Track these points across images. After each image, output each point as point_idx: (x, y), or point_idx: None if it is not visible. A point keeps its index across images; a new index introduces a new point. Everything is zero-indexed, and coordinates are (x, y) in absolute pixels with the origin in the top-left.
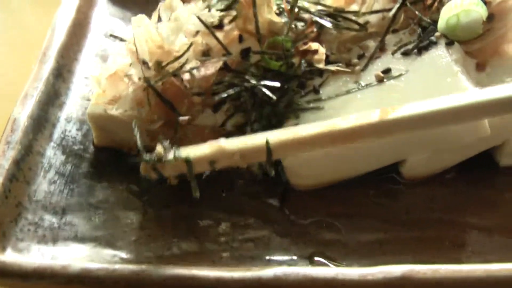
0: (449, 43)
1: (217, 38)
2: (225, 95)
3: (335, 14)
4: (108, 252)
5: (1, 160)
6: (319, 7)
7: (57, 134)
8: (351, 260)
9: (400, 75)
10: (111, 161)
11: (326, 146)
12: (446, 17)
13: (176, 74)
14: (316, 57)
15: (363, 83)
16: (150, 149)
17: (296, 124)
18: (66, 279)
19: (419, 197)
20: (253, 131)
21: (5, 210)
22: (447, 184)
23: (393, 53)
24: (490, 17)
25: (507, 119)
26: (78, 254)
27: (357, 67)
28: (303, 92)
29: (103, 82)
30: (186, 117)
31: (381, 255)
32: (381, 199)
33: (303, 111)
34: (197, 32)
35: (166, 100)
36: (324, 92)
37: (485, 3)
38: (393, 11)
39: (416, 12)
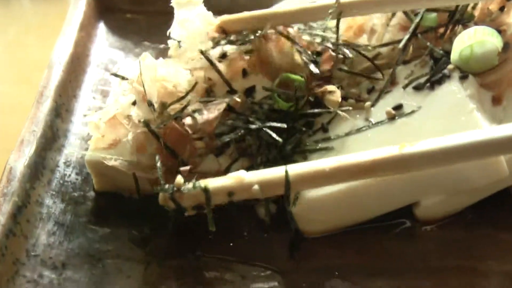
0: (463, 77)
1: (220, 73)
2: (228, 139)
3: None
4: None
5: None
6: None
7: (56, 180)
8: None
9: (412, 111)
10: (112, 207)
11: (346, 179)
12: (459, 49)
13: (178, 117)
14: (331, 97)
15: (373, 121)
16: (152, 194)
17: None
18: None
19: (435, 242)
20: None
21: (2, 269)
22: (464, 226)
23: (404, 87)
24: (506, 46)
25: None
26: None
27: (367, 103)
28: (311, 131)
29: (101, 126)
30: (188, 167)
31: None
32: (395, 245)
33: (312, 152)
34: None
35: (168, 146)
36: (333, 130)
37: (499, 31)
38: (403, 42)
39: (428, 44)
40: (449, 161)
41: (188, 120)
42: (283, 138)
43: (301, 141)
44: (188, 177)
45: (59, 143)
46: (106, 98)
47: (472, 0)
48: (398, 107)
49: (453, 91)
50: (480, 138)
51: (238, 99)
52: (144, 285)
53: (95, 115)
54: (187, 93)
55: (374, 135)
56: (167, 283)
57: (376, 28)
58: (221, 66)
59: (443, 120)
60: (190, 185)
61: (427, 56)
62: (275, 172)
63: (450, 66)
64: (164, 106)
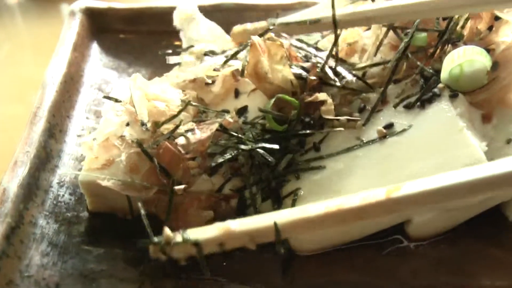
0: (453, 95)
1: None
2: (221, 159)
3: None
4: None
5: None
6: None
7: (49, 201)
8: None
9: (403, 130)
10: (106, 227)
11: (335, 225)
12: (449, 68)
13: (171, 137)
14: (324, 108)
15: (365, 139)
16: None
17: (297, 187)
18: None
19: (427, 259)
20: (252, 194)
21: None
22: (455, 243)
23: (395, 106)
24: (495, 65)
25: None
26: None
27: (359, 122)
28: (303, 150)
29: (95, 147)
30: (182, 186)
31: None
32: (387, 262)
33: (304, 171)
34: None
35: (161, 166)
36: (325, 149)
37: (488, 51)
38: (392, 61)
39: (418, 63)
40: (436, 202)
41: (181, 140)
42: (275, 158)
43: (293, 160)
44: (176, 227)
45: (52, 163)
46: (99, 118)
47: (460, 11)
48: (389, 126)
49: (443, 110)
50: (468, 178)
51: (231, 119)
52: None
53: (88, 136)
54: (179, 112)
55: (365, 154)
56: None
57: (367, 48)
58: (214, 86)
59: (434, 139)
60: (179, 238)
61: (417, 75)
62: (264, 220)
63: (440, 85)
64: (156, 125)
